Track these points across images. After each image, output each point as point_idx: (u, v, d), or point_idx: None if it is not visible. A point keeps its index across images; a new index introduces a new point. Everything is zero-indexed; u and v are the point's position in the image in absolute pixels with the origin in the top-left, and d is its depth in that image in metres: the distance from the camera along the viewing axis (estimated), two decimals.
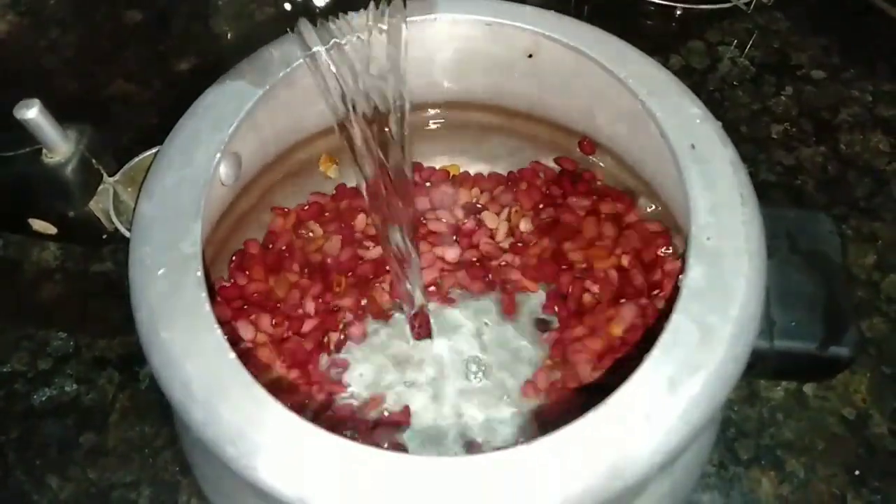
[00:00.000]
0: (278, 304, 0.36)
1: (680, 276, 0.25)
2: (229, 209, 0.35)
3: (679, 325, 0.24)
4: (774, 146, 0.50)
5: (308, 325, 0.35)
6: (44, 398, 0.40)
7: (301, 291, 0.36)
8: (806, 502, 0.37)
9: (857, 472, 0.37)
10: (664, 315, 0.25)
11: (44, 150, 0.30)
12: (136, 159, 0.32)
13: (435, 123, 0.40)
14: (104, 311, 0.43)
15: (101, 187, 0.31)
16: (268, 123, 0.34)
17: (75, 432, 0.39)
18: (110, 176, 0.32)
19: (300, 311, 0.36)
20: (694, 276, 0.25)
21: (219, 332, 0.24)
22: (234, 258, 0.37)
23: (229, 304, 0.34)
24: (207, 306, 0.24)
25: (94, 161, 0.31)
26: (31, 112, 0.28)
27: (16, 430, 0.39)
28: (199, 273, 0.25)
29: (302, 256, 0.37)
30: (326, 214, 0.39)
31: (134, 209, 0.28)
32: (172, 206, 0.27)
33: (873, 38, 0.55)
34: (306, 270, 0.37)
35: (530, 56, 0.35)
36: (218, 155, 0.28)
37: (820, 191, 0.48)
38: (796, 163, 0.49)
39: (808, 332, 0.28)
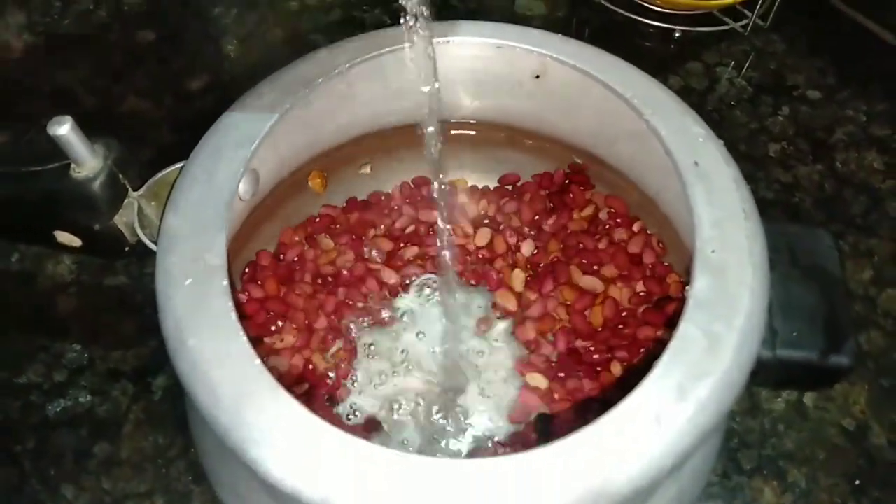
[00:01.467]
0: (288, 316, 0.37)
1: (686, 288, 0.26)
2: (242, 221, 0.36)
3: (686, 333, 0.25)
4: (772, 164, 0.51)
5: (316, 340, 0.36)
6: (59, 409, 0.41)
7: (316, 305, 0.37)
8: None
9: (857, 482, 0.38)
10: (671, 324, 0.26)
11: (72, 165, 0.31)
12: (160, 174, 0.33)
13: (446, 140, 0.41)
14: (118, 324, 0.44)
15: (126, 201, 0.32)
16: (285, 141, 0.35)
17: (90, 443, 0.40)
18: (134, 190, 0.32)
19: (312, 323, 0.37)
20: (700, 287, 0.26)
21: (244, 339, 0.25)
22: (246, 270, 0.38)
23: (250, 318, 0.35)
24: (233, 315, 0.25)
25: (120, 176, 0.32)
26: (63, 128, 0.29)
27: (31, 440, 0.40)
28: (225, 283, 0.26)
29: (314, 268, 0.38)
30: (337, 227, 0.40)
31: (160, 222, 0.29)
32: (197, 220, 0.28)
33: (867, 59, 0.57)
34: (319, 281, 0.38)
35: (537, 77, 0.36)
36: (241, 171, 0.29)
37: (817, 208, 0.49)
38: (794, 181, 0.50)
39: (809, 342, 0.29)
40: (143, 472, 0.39)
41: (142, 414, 0.41)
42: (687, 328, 0.25)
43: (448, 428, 0.35)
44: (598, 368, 0.35)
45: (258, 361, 0.24)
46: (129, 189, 0.32)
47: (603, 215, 0.39)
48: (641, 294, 0.36)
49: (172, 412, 0.41)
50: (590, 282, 0.37)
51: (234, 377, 0.24)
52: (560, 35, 0.35)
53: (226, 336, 0.25)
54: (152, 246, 0.31)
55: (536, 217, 0.40)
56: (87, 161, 0.30)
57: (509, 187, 0.41)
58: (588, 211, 0.39)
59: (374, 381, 0.36)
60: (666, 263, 0.37)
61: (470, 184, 0.41)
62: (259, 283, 0.37)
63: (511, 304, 0.37)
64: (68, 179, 0.30)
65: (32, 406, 0.41)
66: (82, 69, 0.56)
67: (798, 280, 0.30)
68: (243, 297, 0.36)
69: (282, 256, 0.39)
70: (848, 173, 0.51)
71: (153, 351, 0.43)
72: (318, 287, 0.38)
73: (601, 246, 0.38)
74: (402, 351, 0.37)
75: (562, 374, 0.35)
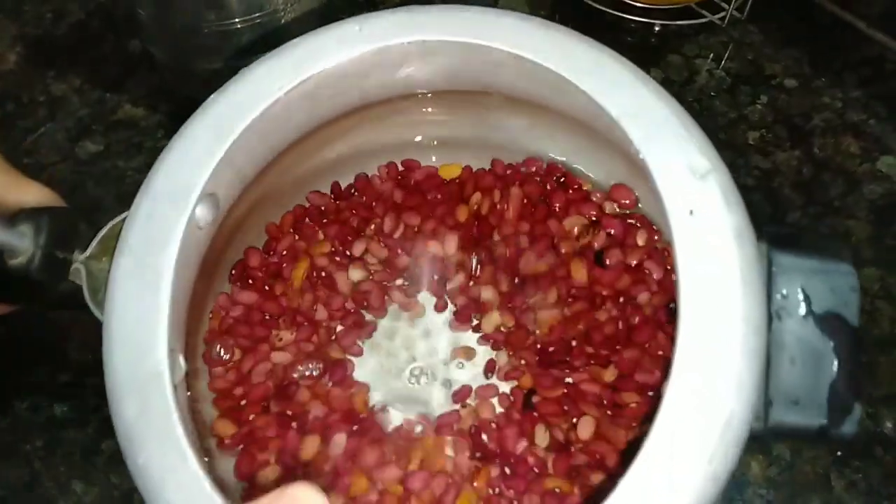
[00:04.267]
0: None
1: (663, 385, 0.24)
2: (223, 220, 0.34)
3: (660, 435, 0.23)
4: (752, 152, 0.52)
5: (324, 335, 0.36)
6: (65, 408, 0.42)
7: (311, 300, 0.37)
8: (792, 483, 0.39)
9: (839, 454, 0.40)
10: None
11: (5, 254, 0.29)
12: (107, 227, 0.31)
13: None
14: None
15: (72, 267, 0.30)
16: (243, 156, 0.32)
17: (97, 440, 0.41)
18: (84, 249, 0.31)
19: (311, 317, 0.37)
20: (681, 384, 0.23)
21: (193, 461, 0.25)
22: (233, 271, 0.37)
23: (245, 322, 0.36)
24: (179, 430, 0.25)
25: (57, 252, 0.30)
26: None
27: (40, 438, 0.41)
28: (169, 396, 0.25)
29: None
30: (327, 214, 0.39)
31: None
32: (138, 311, 0.27)
33: (841, 48, 0.59)
34: (314, 273, 0.37)
35: None
36: (180, 237, 0.28)
37: (796, 192, 0.50)
38: (773, 167, 0.52)
39: (808, 412, 0.25)
40: None
41: None
42: (661, 428, 0.23)
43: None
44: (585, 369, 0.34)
45: (208, 486, 0.24)
46: (76, 253, 0.30)
47: (609, 208, 0.37)
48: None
49: None
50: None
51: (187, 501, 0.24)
52: (539, 21, 0.31)
53: (174, 456, 0.25)
54: (102, 318, 0.29)
55: (519, 228, 0.37)
56: (18, 248, 0.29)
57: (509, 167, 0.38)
58: (575, 222, 0.36)
59: (378, 373, 0.37)
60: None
61: (464, 164, 0.39)
62: (250, 281, 0.37)
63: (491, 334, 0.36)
64: (5, 267, 0.29)
65: (40, 406, 0.42)
66: (76, 79, 0.58)
67: (807, 333, 0.26)
68: (234, 305, 0.37)
69: (272, 252, 0.38)
70: (825, 158, 0.52)
71: None
72: (312, 279, 0.37)
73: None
74: (404, 347, 0.38)
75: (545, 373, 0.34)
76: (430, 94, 0.37)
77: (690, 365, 0.24)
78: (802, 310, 0.26)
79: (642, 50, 0.59)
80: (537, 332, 0.36)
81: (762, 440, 0.40)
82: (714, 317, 0.24)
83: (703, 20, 0.60)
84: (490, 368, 0.36)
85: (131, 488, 0.39)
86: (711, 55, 0.58)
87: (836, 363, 0.25)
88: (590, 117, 0.31)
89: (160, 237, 0.28)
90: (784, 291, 0.26)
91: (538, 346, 0.35)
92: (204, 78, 0.51)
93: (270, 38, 0.49)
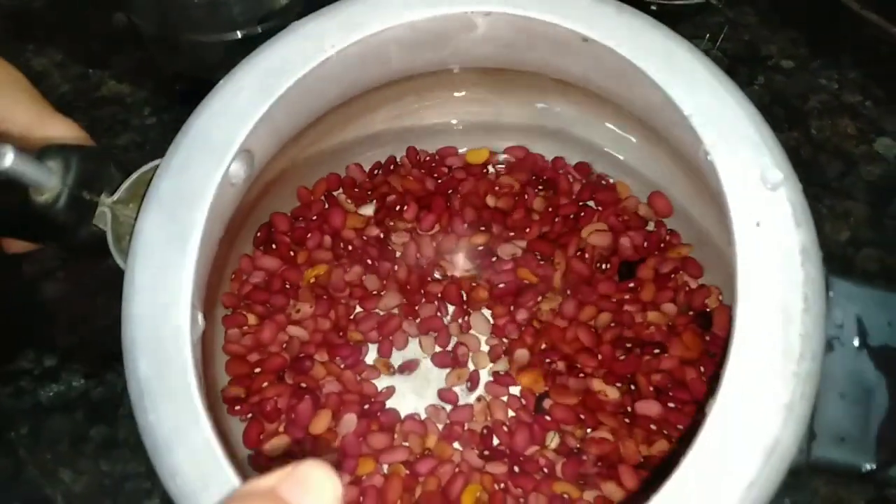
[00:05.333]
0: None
1: (708, 403, 0.23)
2: (254, 180, 0.32)
3: (700, 454, 0.22)
4: None
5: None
6: (51, 394, 0.41)
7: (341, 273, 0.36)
8: None
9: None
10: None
11: (31, 190, 0.28)
12: (138, 173, 0.30)
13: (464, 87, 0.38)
14: (110, 306, 0.43)
15: (98, 210, 0.30)
16: (283, 116, 0.32)
17: (86, 426, 0.40)
18: (112, 193, 0.30)
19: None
20: (723, 406, 0.22)
21: (205, 420, 0.24)
22: (258, 233, 0.36)
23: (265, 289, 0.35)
24: (195, 390, 0.24)
25: (84, 193, 0.29)
26: (7, 160, 0.26)
27: (25, 425, 0.40)
28: (187, 351, 0.25)
29: (332, 231, 0.36)
30: (356, 190, 0.38)
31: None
32: (161, 267, 0.26)
33: (837, 29, 0.58)
34: (341, 245, 0.36)
35: (585, 40, 0.31)
36: (204, 215, 0.27)
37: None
38: None
39: (855, 452, 0.24)
40: (142, 452, 0.38)
41: None
42: (703, 447, 0.22)
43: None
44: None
45: (219, 451, 0.24)
46: (103, 196, 0.30)
47: (644, 211, 0.37)
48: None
49: None
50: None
51: (195, 464, 0.24)
52: (615, 3, 0.29)
53: (187, 417, 0.24)
54: (125, 266, 0.28)
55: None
56: (45, 184, 0.28)
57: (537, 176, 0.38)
58: (596, 230, 0.36)
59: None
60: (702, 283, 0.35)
61: (500, 146, 0.38)
62: (274, 246, 0.36)
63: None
64: (30, 204, 0.28)
65: (23, 391, 0.41)
66: (57, 54, 0.55)
67: (860, 367, 0.24)
68: (255, 270, 0.36)
69: (300, 217, 0.37)
70: (822, 139, 0.52)
71: None
72: (338, 251, 0.36)
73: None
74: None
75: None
76: (479, 69, 0.36)
77: (740, 383, 0.22)
78: (857, 341, 0.25)
79: None
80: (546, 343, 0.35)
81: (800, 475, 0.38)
82: (771, 336, 0.23)
83: (700, 0, 0.59)
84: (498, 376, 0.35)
85: (122, 476, 0.38)
86: (708, 35, 0.58)
87: (888, 401, 0.24)
88: (649, 112, 0.30)
89: (194, 189, 0.27)
90: (839, 320, 0.25)
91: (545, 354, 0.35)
92: (192, 52, 0.49)
93: (260, 11, 0.47)
